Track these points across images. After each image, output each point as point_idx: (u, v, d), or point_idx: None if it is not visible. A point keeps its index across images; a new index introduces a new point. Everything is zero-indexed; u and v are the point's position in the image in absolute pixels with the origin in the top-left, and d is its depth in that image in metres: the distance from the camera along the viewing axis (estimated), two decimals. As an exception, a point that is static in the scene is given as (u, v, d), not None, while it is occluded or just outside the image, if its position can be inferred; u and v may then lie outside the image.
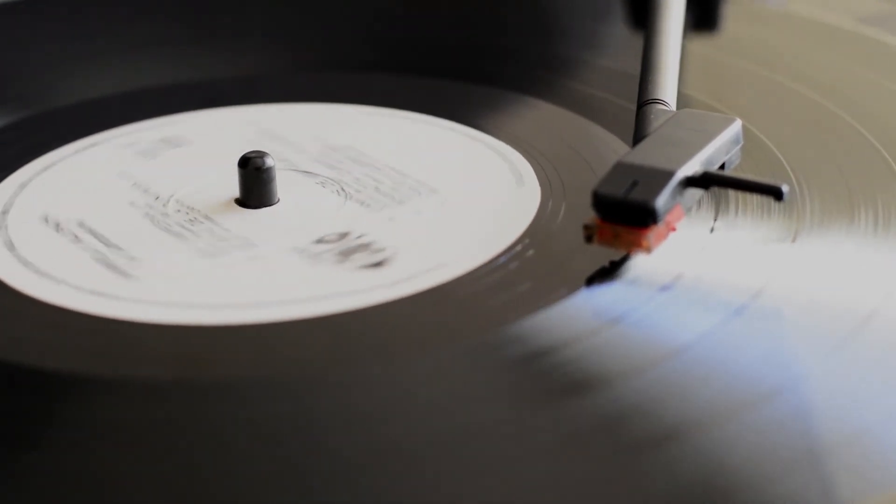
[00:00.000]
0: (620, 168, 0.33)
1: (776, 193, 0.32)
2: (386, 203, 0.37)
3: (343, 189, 0.38)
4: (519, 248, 0.35)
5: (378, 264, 0.34)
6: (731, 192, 0.35)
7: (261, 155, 0.37)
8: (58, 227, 0.37)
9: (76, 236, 0.36)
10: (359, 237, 0.35)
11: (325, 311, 0.32)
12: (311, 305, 0.32)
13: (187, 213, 0.37)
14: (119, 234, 0.36)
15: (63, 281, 0.34)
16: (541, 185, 0.37)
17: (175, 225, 0.37)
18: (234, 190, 0.37)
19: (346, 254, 0.35)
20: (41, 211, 0.38)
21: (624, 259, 0.33)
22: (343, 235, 0.36)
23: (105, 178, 0.39)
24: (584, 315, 0.32)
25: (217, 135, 0.42)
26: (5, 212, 0.38)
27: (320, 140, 0.41)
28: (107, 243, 0.36)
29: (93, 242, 0.36)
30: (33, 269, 0.35)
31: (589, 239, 0.33)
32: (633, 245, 0.32)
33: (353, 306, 0.32)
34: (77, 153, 0.41)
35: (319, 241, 0.35)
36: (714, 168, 0.34)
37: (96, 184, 0.39)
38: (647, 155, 0.33)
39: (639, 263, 0.33)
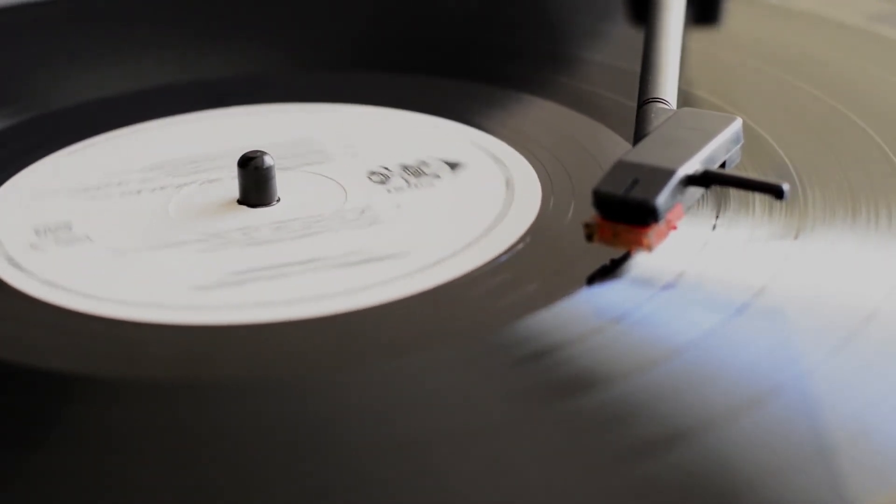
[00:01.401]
0: (621, 166, 0.33)
1: (777, 192, 0.32)
2: (385, 202, 0.37)
3: (343, 188, 0.38)
4: (519, 247, 0.34)
5: (378, 263, 0.34)
6: (733, 190, 0.35)
7: (260, 154, 0.37)
8: (56, 226, 0.37)
9: (72, 234, 0.36)
10: (356, 236, 0.35)
11: (325, 311, 0.32)
12: (310, 305, 0.32)
13: (186, 214, 0.37)
14: (117, 233, 0.36)
15: (63, 280, 0.34)
16: (541, 183, 0.37)
17: (173, 224, 0.37)
18: (235, 190, 0.38)
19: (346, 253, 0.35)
20: (40, 211, 0.38)
21: (625, 258, 0.33)
22: (341, 234, 0.36)
23: (107, 177, 0.39)
24: (585, 314, 0.32)
25: (221, 136, 0.42)
26: (11, 210, 0.38)
27: (322, 139, 0.41)
28: (102, 242, 0.36)
29: (90, 241, 0.36)
30: (33, 267, 0.35)
31: (589, 238, 0.33)
32: (634, 244, 0.32)
33: (353, 306, 0.32)
34: (80, 150, 0.41)
35: (316, 238, 0.35)
36: (714, 167, 0.34)
37: (97, 182, 0.39)
38: (647, 153, 0.33)
39: (640, 262, 0.33)
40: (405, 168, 0.39)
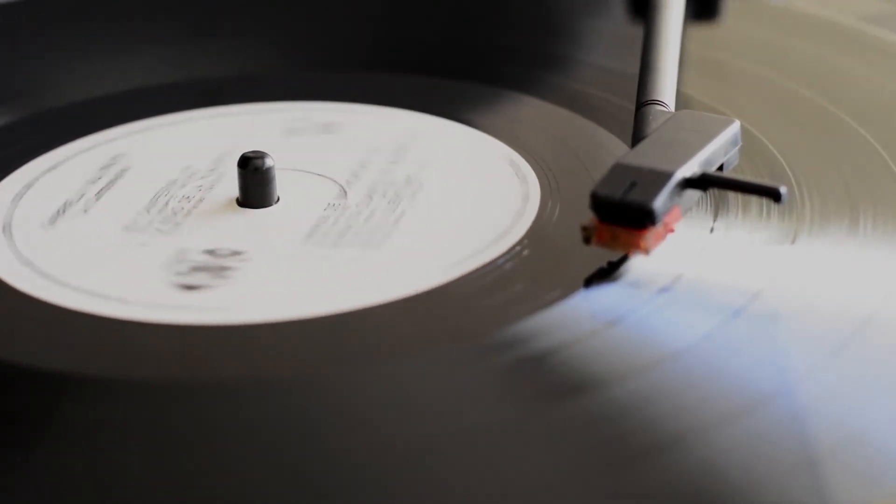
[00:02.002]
0: (619, 169, 0.33)
1: (774, 195, 0.32)
2: (384, 201, 0.37)
3: (343, 189, 0.38)
4: (518, 249, 0.34)
5: (374, 264, 0.34)
6: (731, 194, 0.35)
7: (260, 156, 0.37)
8: (59, 223, 0.37)
9: (74, 231, 0.36)
10: (357, 237, 0.36)
11: (325, 311, 0.32)
12: (310, 305, 0.32)
13: (185, 212, 0.37)
14: (115, 230, 0.36)
15: (63, 281, 0.34)
16: (541, 185, 0.37)
17: (170, 223, 0.37)
18: (233, 191, 0.38)
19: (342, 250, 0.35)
20: (46, 208, 0.38)
21: (622, 260, 0.33)
22: (341, 235, 0.36)
23: (113, 174, 0.40)
24: (582, 316, 0.32)
25: (209, 136, 0.42)
26: (9, 210, 0.38)
27: (327, 139, 0.41)
28: (101, 240, 0.36)
29: (89, 238, 0.36)
30: (34, 267, 0.35)
31: (587, 240, 0.33)
32: (632, 246, 0.32)
33: (353, 306, 0.32)
34: (91, 148, 0.41)
35: (317, 239, 0.36)
36: (712, 169, 0.34)
37: (102, 178, 0.39)
38: (645, 156, 0.33)
39: (637, 265, 0.33)
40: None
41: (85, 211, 0.37)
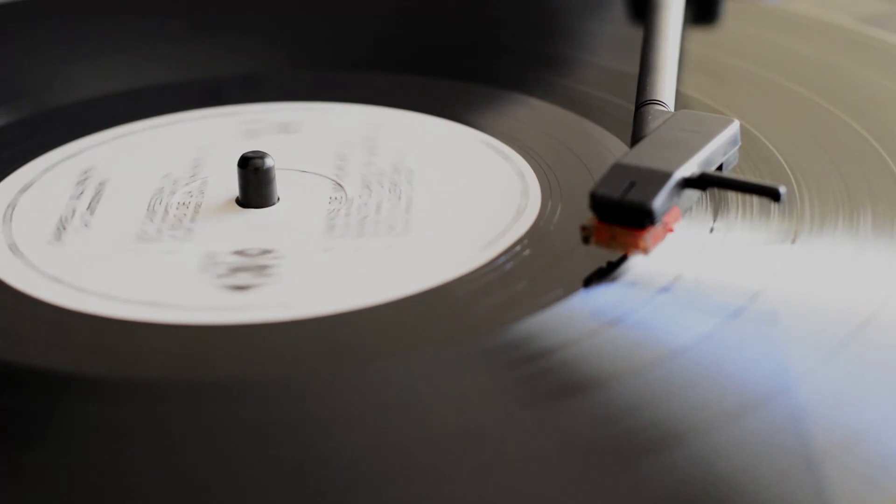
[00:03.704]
0: (618, 169, 0.33)
1: (774, 195, 0.32)
2: (383, 200, 0.37)
3: (343, 188, 0.38)
4: (518, 248, 0.35)
5: (372, 264, 0.34)
6: (731, 193, 0.35)
7: (261, 155, 0.37)
8: (61, 223, 0.37)
9: (74, 233, 0.36)
10: (359, 233, 0.36)
11: (325, 311, 0.32)
12: (310, 305, 0.32)
13: (186, 213, 0.37)
14: (116, 232, 0.36)
15: (63, 281, 0.34)
16: (540, 185, 0.38)
17: (171, 224, 0.37)
18: (235, 190, 0.38)
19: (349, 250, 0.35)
20: (45, 209, 0.38)
21: (622, 260, 0.33)
22: (344, 232, 0.36)
23: (113, 174, 0.39)
24: (581, 316, 0.32)
25: (227, 133, 0.42)
26: (11, 208, 0.38)
27: (325, 140, 0.41)
28: (102, 242, 0.36)
29: (90, 240, 0.36)
30: (34, 268, 0.35)
31: (586, 240, 0.33)
32: (631, 246, 0.32)
33: (353, 306, 0.32)
34: (87, 149, 0.41)
35: (320, 237, 0.36)
36: (712, 169, 0.34)
37: (85, 192, 0.39)
38: (644, 156, 0.33)
39: (637, 264, 0.33)
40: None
41: (86, 225, 0.37)
